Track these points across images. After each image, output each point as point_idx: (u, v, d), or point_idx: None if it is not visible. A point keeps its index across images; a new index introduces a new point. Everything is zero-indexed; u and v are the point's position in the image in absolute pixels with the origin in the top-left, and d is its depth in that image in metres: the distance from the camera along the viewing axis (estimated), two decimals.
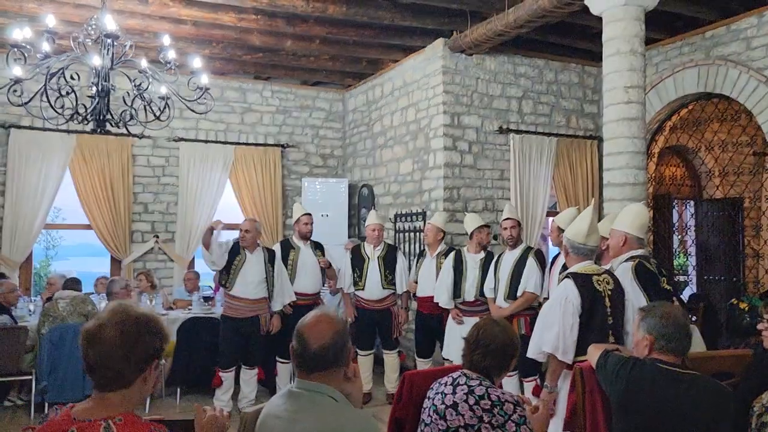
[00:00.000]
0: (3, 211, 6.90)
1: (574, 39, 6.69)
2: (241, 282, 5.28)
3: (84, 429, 1.52)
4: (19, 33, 3.97)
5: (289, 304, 5.58)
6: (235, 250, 5.35)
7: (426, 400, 2.34)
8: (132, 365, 1.58)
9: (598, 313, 3.10)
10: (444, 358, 5.52)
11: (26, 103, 4.15)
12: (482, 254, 5.45)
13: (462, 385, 2.25)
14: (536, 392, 4.66)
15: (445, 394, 2.25)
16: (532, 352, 3.25)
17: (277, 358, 5.73)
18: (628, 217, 3.54)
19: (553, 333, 3.07)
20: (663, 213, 7.93)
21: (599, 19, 4.88)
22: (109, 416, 1.54)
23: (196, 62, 4.51)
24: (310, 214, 5.95)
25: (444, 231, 5.81)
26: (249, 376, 5.44)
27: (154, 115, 4.53)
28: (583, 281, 3.12)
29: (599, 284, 3.14)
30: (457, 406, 2.19)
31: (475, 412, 2.16)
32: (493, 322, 2.45)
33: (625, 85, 4.64)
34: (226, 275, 5.33)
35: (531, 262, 5.03)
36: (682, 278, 9.04)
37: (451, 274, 5.41)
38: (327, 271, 6.01)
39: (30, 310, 6.04)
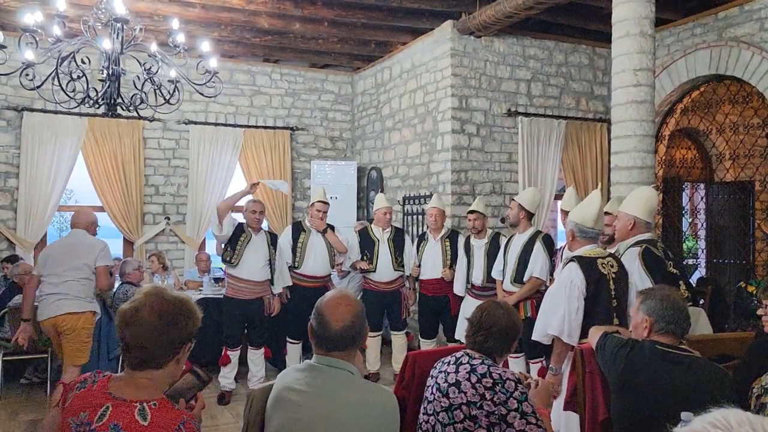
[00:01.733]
0: (17, 193, 7.01)
1: (585, 20, 6.64)
2: (247, 263, 5.33)
3: (119, 407, 1.55)
4: (31, 17, 4.00)
5: (289, 288, 5.63)
6: (240, 229, 5.39)
7: (429, 378, 2.39)
8: (167, 347, 1.63)
9: (603, 296, 3.13)
10: (456, 340, 5.57)
11: (38, 87, 4.20)
12: (485, 239, 5.48)
13: (465, 364, 2.30)
14: (542, 374, 4.71)
15: (448, 373, 2.30)
16: (537, 335, 3.28)
17: (288, 339, 5.82)
18: (638, 200, 3.53)
19: (558, 316, 3.11)
20: (673, 196, 7.90)
21: None
22: (143, 399, 1.57)
23: (205, 45, 4.53)
24: (325, 203, 5.73)
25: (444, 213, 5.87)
26: (256, 356, 5.53)
27: (164, 98, 4.57)
28: (587, 264, 3.15)
29: (603, 267, 3.17)
30: (459, 384, 2.24)
31: (477, 390, 2.21)
32: (496, 304, 2.48)
33: (634, 68, 4.62)
34: (231, 251, 5.31)
35: (538, 247, 5.03)
36: (691, 262, 9.02)
37: (464, 259, 5.51)
38: (336, 245, 5.79)
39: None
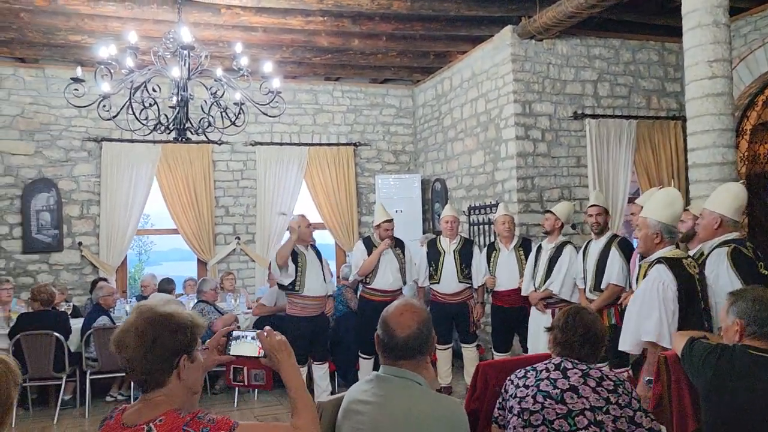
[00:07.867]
0: (99, 219, 7.40)
1: (651, 15, 6.37)
2: (309, 281, 5.32)
3: None
4: (105, 50, 4.25)
5: (361, 302, 5.72)
6: (294, 253, 5.30)
7: (516, 388, 2.27)
8: (156, 365, 1.59)
9: (694, 299, 2.93)
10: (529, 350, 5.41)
11: (114, 117, 4.44)
12: (553, 244, 5.35)
13: (572, 369, 2.22)
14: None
15: (555, 379, 2.21)
16: (627, 345, 3.05)
17: (360, 354, 5.82)
18: (726, 198, 3.33)
19: (653, 321, 2.88)
20: (758, 194, 7.41)
21: None
22: (151, 419, 1.56)
23: (268, 67, 4.66)
24: (391, 220, 5.81)
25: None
26: (322, 371, 5.54)
27: (230, 120, 4.72)
28: (675, 265, 2.95)
29: (690, 268, 2.98)
30: (577, 389, 2.17)
31: (601, 394, 2.15)
32: (585, 310, 2.40)
33: (708, 59, 4.37)
34: (298, 280, 5.30)
35: (614, 253, 4.84)
36: None
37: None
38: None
39: (127, 312, 6.44)
